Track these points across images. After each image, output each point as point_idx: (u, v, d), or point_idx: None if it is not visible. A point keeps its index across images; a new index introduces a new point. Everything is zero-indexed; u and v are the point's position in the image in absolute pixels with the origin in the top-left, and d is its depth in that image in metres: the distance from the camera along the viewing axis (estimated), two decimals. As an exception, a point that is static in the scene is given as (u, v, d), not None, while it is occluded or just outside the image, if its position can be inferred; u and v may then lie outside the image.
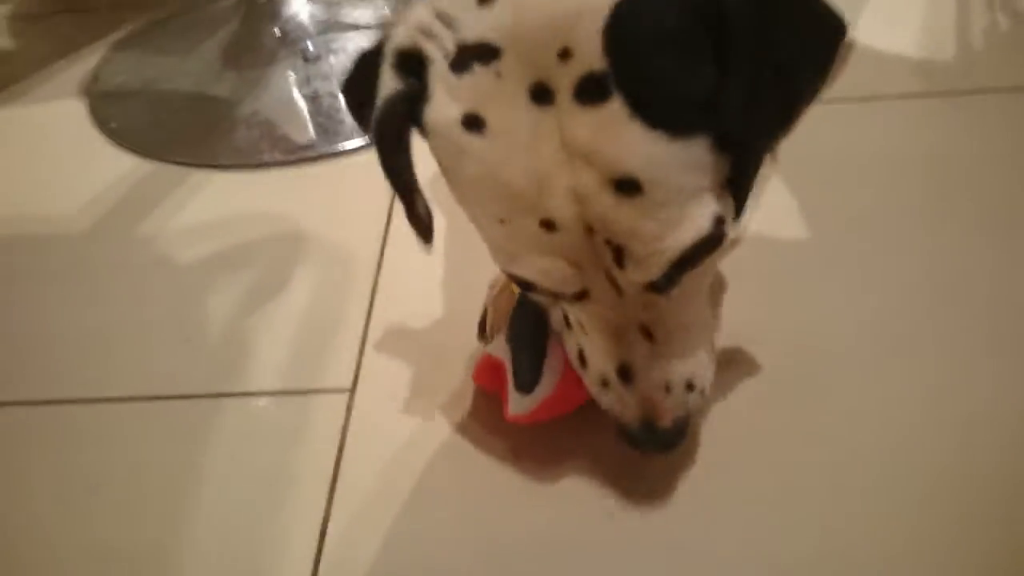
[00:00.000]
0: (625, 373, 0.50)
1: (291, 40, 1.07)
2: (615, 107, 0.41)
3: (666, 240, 0.43)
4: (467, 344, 0.67)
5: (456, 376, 0.67)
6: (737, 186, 0.45)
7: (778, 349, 0.65)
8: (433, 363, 0.69)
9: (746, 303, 0.67)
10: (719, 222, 0.45)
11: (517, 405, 0.57)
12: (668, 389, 0.50)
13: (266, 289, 0.79)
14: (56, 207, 0.92)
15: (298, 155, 0.95)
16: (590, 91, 0.41)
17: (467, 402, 0.65)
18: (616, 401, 0.52)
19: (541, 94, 0.42)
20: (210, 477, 0.63)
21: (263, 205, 0.90)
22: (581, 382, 0.54)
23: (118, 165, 0.98)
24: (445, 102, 0.44)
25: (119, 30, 1.24)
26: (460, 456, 0.61)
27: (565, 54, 0.41)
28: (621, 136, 0.41)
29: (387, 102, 0.46)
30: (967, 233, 0.73)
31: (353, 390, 0.68)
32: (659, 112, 0.41)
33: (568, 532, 0.56)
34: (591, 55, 0.41)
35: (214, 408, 0.68)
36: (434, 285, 0.76)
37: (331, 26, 1.07)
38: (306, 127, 1.00)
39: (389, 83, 0.47)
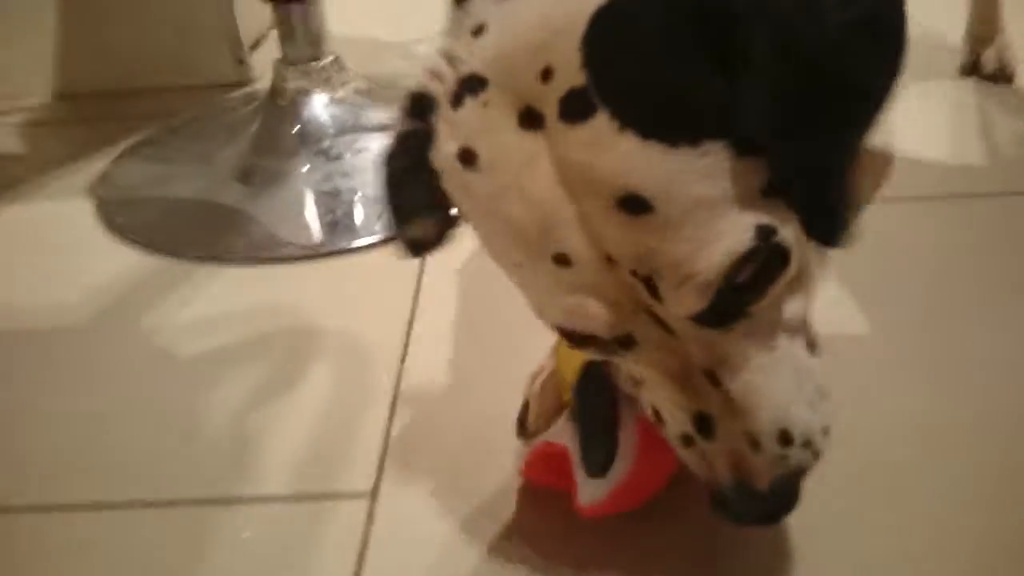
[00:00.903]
0: (704, 425, 0.42)
1: (310, 139, 1.05)
2: (602, 121, 0.37)
3: (697, 262, 0.37)
4: (505, 441, 0.60)
5: (494, 476, 0.59)
6: (808, 191, 0.39)
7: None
8: (466, 463, 0.61)
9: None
10: (766, 234, 0.38)
11: (591, 492, 0.49)
12: (756, 444, 0.42)
13: (277, 385, 0.72)
14: (56, 299, 0.87)
15: (313, 251, 0.91)
16: (574, 108, 0.38)
17: (510, 504, 0.57)
18: (700, 460, 0.44)
19: (530, 119, 0.39)
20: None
21: (275, 300, 0.84)
22: (660, 460, 0.47)
23: (123, 260, 0.93)
24: (445, 140, 0.42)
25: (131, 138, 1.23)
26: (505, 570, 0.53)
27: (547, 74, 0.38)
28: (614, 151, 0.37)
29: (395, 139, 0.45)
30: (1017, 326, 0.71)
31: (375, 494, 0.60)
32: (651, 121, 0.37)
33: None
34: (571, 71, 0.38)
35: (219, 514, 0.59)
36: (464, 382, 0.70)
37: (352, 127, 1.06)
38: (322, 223, 0.97)
39: (400, 127, 0.45)
